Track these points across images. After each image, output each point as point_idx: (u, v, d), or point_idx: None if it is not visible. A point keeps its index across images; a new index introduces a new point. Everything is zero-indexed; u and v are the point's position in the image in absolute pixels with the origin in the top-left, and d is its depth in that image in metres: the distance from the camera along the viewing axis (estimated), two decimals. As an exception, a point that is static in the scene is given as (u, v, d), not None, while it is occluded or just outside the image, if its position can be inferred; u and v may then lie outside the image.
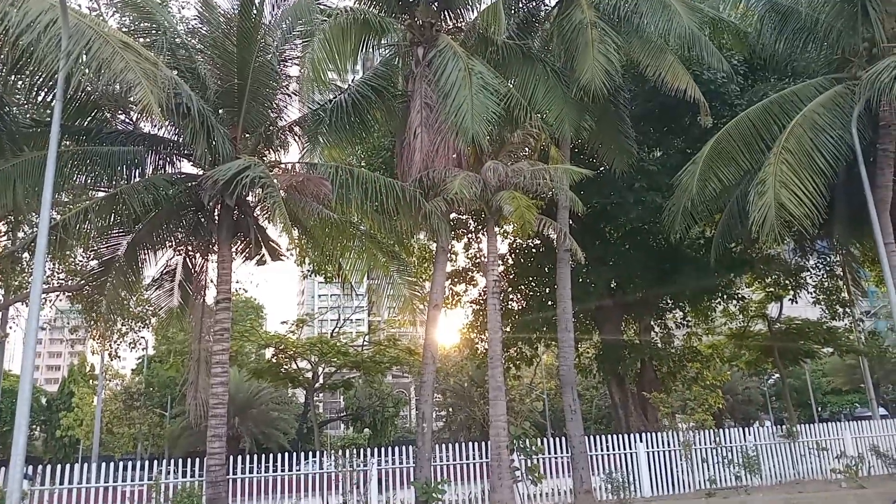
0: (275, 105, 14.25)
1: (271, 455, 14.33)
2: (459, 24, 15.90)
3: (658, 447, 16.37)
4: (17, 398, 8.93)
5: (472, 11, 15.68)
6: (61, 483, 12.74)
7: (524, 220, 12.88)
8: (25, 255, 18.11)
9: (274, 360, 35.70)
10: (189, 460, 13.48)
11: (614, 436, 16.39)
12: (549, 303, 22.66)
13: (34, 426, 48.72)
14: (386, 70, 15.79)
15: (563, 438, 15.89)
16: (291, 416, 45.26)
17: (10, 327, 20.85)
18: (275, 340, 34.83)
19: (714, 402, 16.82)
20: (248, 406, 39.76)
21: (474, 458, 15.22)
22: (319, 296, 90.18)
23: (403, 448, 14.95)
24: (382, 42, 15.27)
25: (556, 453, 15.80)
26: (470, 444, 15.49)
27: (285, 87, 14.40)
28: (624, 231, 21.63)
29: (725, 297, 25.58)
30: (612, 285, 22.55)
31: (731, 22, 17.81)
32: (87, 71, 10.22)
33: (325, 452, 14.52)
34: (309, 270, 24.72)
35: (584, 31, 14.28)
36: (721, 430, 17.15)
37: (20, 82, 13.26)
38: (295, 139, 15.18)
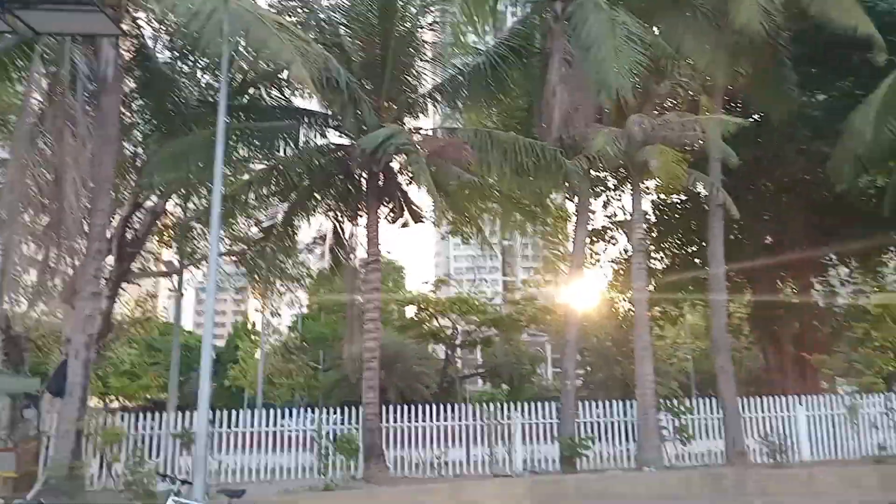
0: (415, 73, 14.50)
1: (418, 407, 15.02)
2: (600, -27, 15.19)
3: (819, 411, 15.48)
4: (201, 352, 9.91)
5: (614, -43, 14.92)
6: (236, 426, 14.14)
7: (672, 175, 12.37)
8: (196, 224, 19.89)
9: (416, 318, 37.12)
10: (344, 409, 14.47)
11: (770, 398, 15.61)
12: (696, 261, 21.66)
13: (206, 376, 54.04)
14: (523, 28, 15.45)
15: (713, 399, 15.38)
16: (433, 371, 46.91)
17: (185, 288, 23.11)
18: (417, 299, 36.18)
19: (885, 364, 15.52)
20: (394, 361, 41.67)
21: (619, 417, 15.11)
22: (455, 256, 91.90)
23: (544, 404, 15.11)
24: (519, -1, 15.01)
25: (705, 414, 15.33)
26: (614, 402, 15.38)
27: (424, 55, 14.59)
28: (780, 184, 20.04)
29: (901, 251, 23.12)
30: (766, 242, 21.12)
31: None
32: (245, 53, 10.91)
33: (468, 406, 14.99)
34: (447, 232, 25.23)
35: (739, -32, 13.14)
36: (894, 395, 15.81)
37: (186, 67, 14.43)
38: (435, 105, 15.40)
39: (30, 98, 10.73)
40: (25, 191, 10.74)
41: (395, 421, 14.62)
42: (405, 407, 15.09)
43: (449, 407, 15.11)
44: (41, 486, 10.63)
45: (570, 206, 22.58)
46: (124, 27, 11.34)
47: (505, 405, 14.75)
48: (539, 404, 15.15)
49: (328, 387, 42.11)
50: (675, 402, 14.92)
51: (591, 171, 16.89)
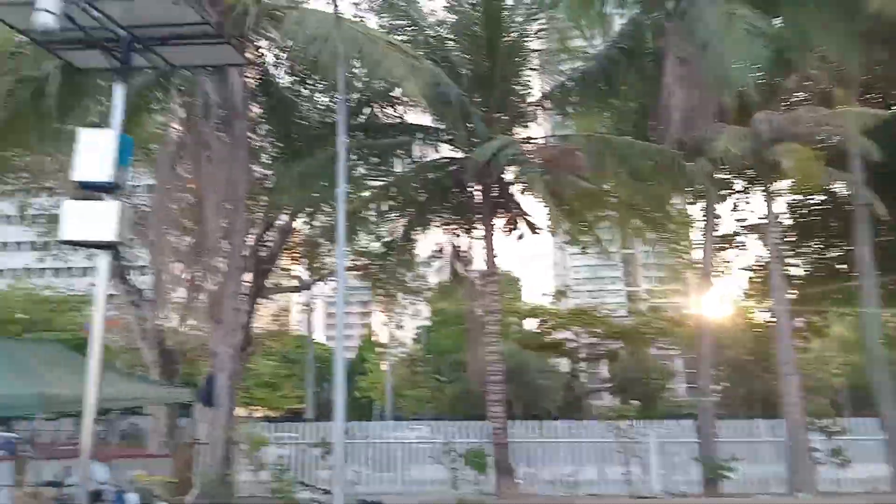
0: (523, 82, 14.53)
1: (546, 422, 14.86)
2: (715, -34, 14.51)
3: None
4: (332, 364, 10.20)
5: (730, -50, 14.19)
6: (368, 437, 14.67)
7: (807, 174, 11.52)
8: (322, 240, 20.94)
9: (537, 331, 36.82)
10: (469, 422, 14.59)
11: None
12: (839, 266, 19.93)
13: (336, 388, 56.34)
14: (633, 28, 15.04)
15: (871, 419, 14.05)
16: (557, 385, 46.09)
17: (314, 302, 24.35)
18: (537, 311, 35.91)
19: None
20: (516, 374, 41.43)
21: (763, 437, 14.16)
22: (573, 267, 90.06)
23: (678, 422, 14.49)
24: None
25: (864, 435, 14.01)
26: (757, 421, 14.47)
27: (531, 63, 14.58)
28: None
29: None
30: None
31: None
32: (360, 73, 11.42)
33: (597, 422, 14.64)
34: (564, 242, 24.83)
35: (872, -54, 12.05)
36: None
37: (305, 91, 15.32)
38: (545, 112, 15.32)
39: (169, 128, 11.81)
40: (170, 214, 11.77)
41: (524, 437, 14.53)
42: (533, 422, 14.99)
43: (579, 423, 14.85)
44: (198, 492, 11.34)
45: (694, 211, 21.57)
46: (248, 56, 12.23)
47: (637, 422, 14.29)
48: (673, 422, 14.58)
49: (452, 399, 42.60)
50: (827, 421, 13.70)
51: (716, 174, 16.09)
